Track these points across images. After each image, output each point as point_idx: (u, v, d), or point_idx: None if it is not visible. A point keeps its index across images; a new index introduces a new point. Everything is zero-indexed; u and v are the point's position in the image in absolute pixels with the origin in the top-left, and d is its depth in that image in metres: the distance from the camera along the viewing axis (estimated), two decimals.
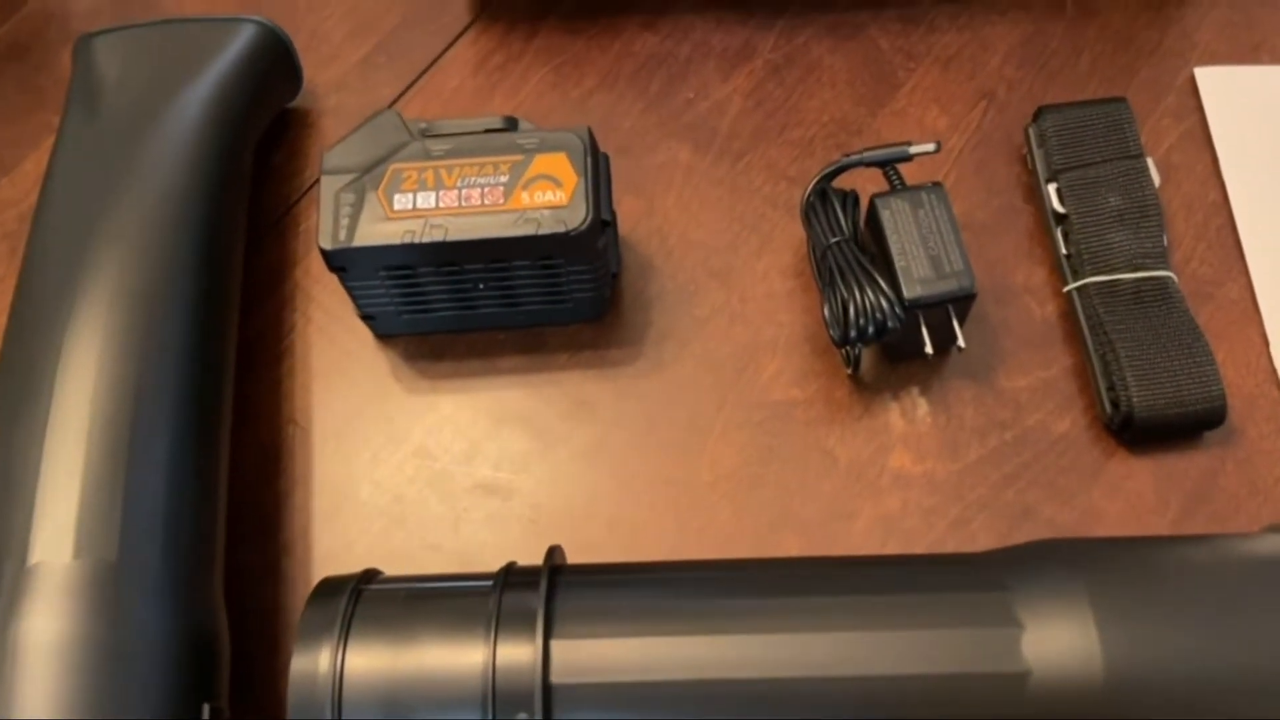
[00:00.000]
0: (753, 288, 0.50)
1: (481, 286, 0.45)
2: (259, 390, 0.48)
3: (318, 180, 0.47)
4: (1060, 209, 0.48)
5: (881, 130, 0.52)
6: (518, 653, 0.34)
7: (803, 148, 0.52)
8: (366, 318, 0.47)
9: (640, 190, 0.52)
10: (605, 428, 0.47)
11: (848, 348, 0.44)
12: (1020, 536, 0.44)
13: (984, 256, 0.49)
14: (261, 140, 0.53)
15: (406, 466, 0.47)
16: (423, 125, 0.45)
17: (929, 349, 0.44)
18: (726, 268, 0.50)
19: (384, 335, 0.49)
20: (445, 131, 0.45)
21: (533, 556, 0.42)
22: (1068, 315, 0.48)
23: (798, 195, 0.49)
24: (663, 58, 0.55)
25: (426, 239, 0.42)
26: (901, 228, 0.44)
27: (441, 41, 0.56)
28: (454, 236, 0.42)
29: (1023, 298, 0.49)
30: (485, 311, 0.47)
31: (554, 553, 0.38)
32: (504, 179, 0.43)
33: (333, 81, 0.55)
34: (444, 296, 0.46)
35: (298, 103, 0.54)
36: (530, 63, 0.55)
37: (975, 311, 0.48)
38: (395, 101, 0.54)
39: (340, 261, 0.43)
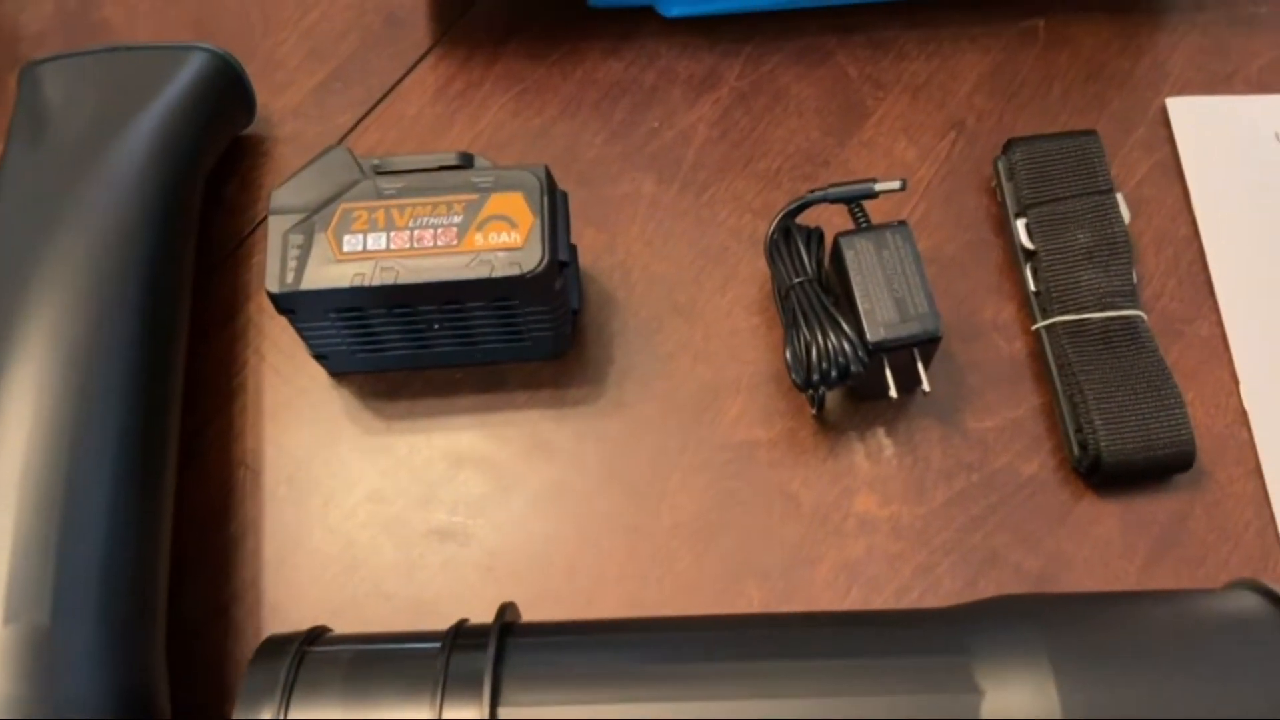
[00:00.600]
0: (717, 324, 0.49)
1: (436, 327, 0.44)
2: (208, 431, 0.47)
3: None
4: (1029, 245, 0.47)
5: (850, 161, 0.52)
6: None
7: (769, 179, 0.51)
8: (319, 357, 0.46)
9: (603, 223, 0.51)
10: (564, 470, 0.46)
11: (811, 390, 0.43)
12: (986, 583, 0.43)
13: (952, 292, 0.49)
14: (214, 170, 0.51)
15: (360, 511, 0.46)
16: (375, 162, 0.44)
17: (893, 392, 0.43)
18: (690, 303, 0.49)
19: (338, 373, 0.48)
20: (398, 168, 0.43)
21: (489, 606, 0.41)
22: (1036, 353, 0.47)
23: (763, 228, 0.48)
24: (627, 85, 0.54)
25: (377, 282, 0.41)
26: (865, 268, 0.43)
27: (400, 68, 0.54)
28: (405, 279, 0.41)
29: (991, 335, 0.48)
30: (442, 350, 0.46)
31: (505, 611, 0.37)
32: (458, 219, 0.42)
33: (288, 108, 0.54)
34: (398, 336, 0.44)
35: (252, 130, 0.53)
36: (491, 90, 0.54)
37: (943, 349, 0.47)
38: (353, 129, 0.53)
39: (288, 304, 0.42)
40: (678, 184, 0.51)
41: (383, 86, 0.54)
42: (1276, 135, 0.50)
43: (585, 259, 0.50)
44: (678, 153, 0.52)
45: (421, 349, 0.45)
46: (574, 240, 0.49)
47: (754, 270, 0.49)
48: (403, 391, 0.48)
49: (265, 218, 0.51)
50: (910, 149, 0.52)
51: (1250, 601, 0.35)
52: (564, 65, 0.54)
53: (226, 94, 0.50)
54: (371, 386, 0.48)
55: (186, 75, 0.48)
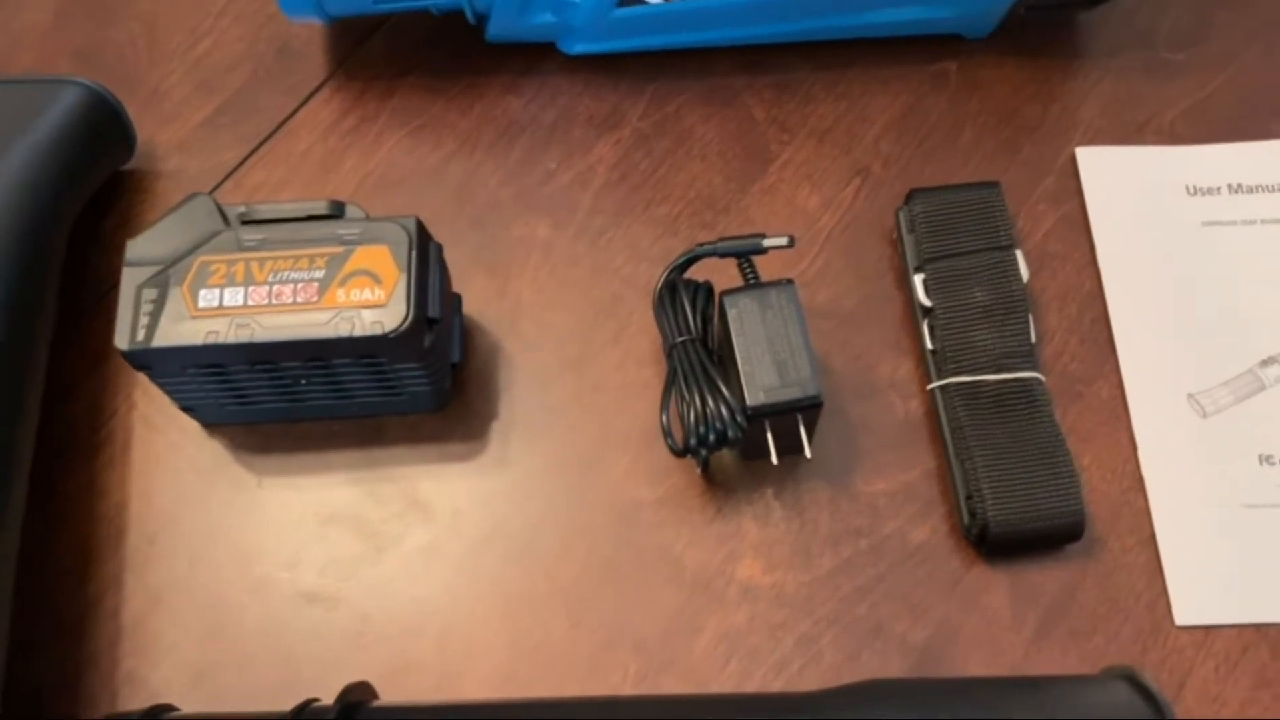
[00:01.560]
0: (607, 377, 0.47)
1: (304, 382, 0.42)
2: (71, 483, 0.45)
3: None
4: (926, 302, 0.46)
5: (750, 208, 0.50)
6: None
7: (667, 225, 0.50)
8: (188, 409, 0.44)
9: (494, 268, 0.49)
10: (441, 531, 0.44)
11: (688, 455, 0.42)
12: (869, 655, 0.42)
13: (850, 347, 0.47)
14: (91, 206, 0.49)
15: (226, 571, 0.44)
16: (240, 210, 0.42)
17: (774, 459, 0.41)
18: (581, 355, 0.47)
19: (210, 425, 0.46)
20: (264, 217, 0.42)
21: (357, 673, 0.40)
22: (932, 413, 0.45)
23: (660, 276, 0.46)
24: (526, 123, 0.52)
25: (231, 340, 0.39)
26: (749, 328, 0.41)
27: (292, 101, 0.52)
28: (261, 337, 0.39)
29: (886, 393, 0.46)
30: (315, 403, 0.44)
31: (349, 691, 0.36)
32: (319, 273, 0.40)
33: (173, 143, 0.52)
34: (265, 391, 0.43)
35: (133, 165, 0.51)
36: (386, 125, 0.52)
37: (837, 407, 0.46)
38: (239, 166, 0.51)
39: (140, 361, 0.40)
40: (573, 228, 0.50)
41: (273, 121, 0.52)
42: (1187, 189, 0.49)
43: (474, 306, 0.48)
44: (575, 196, 0.50)
45: (293, 402, 0.44)
46: (462, 287, 0.47)
47: (647, 321, 0.47)
48: (276, 444, 0.46)
49: None
50: (813, 196, 0.50)
51: (1122, 695, 0.34)
52: (462, 101, 0.52)
53: (102, 130, 0.48)
54: (244, 439, 0.46)
55: (57, 111, 0.46)
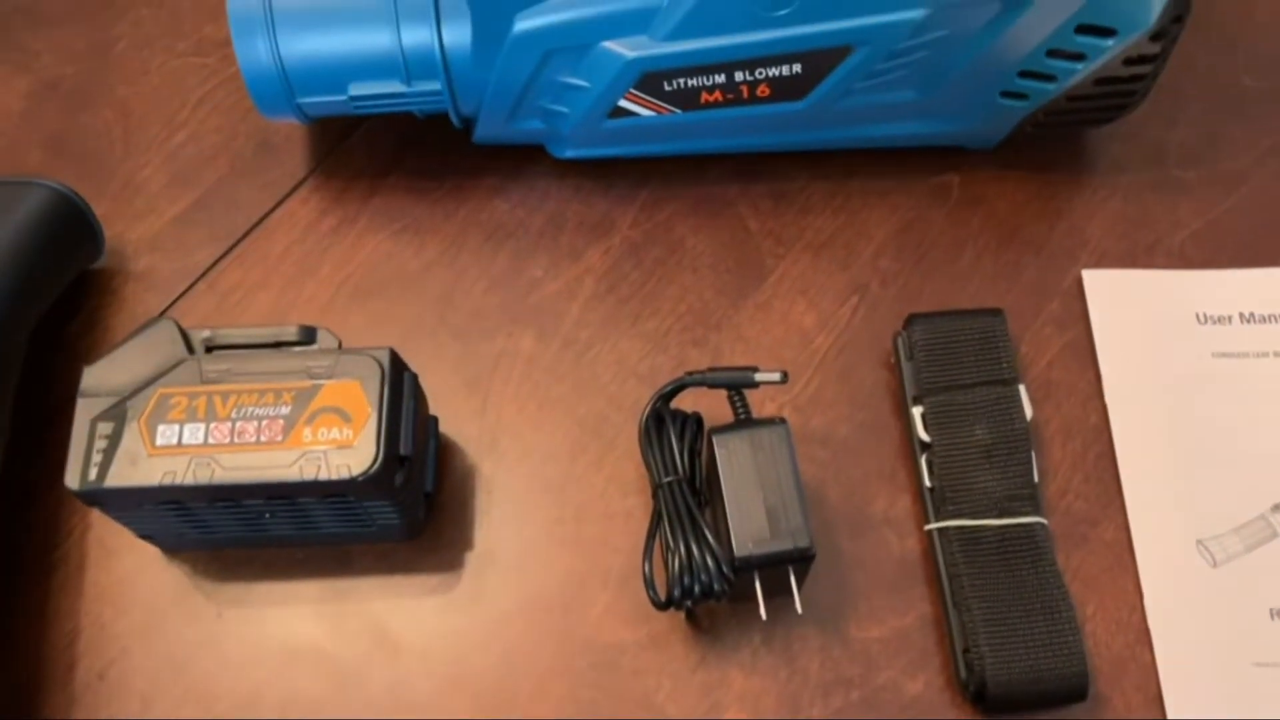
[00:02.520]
0: (590, 505, 0.45)
1: (268, 516, 0.40)
2: (19, 606, 0.43)
3: None
4: (925, 437, 0.44)
5: (743, 325, 0.48)
6: None
7: (656, 341, 0.48)
8: (145, 537, 0.42)
9: (475, 383, 0.47)
10: (409, 671, 0.42)
11: (671, 607, 0.40)
12: None
13: (843, 479, 0.45)
14: (56, 308, 0.47)
15: (182, 709, 0.41)
16: (205, 334, 0.40)
17: (762, 614, 0.39)
18: (563, 479, 0.45)
19: (170, 550, 0.44)
20: (230, 342, 0.39)
21: None
22: (929, 554, 0.43)
23: (646, 396, 0.44)
24: (512, 229, 0.50)
25: (190, 481, 0.37)
26: (738, 471, 0.39)
27: (270, 198, 0.50)
28: (221, 479, 0.37)
29: (882, 530, 0.44)
30: (279, 532, 0.42)
31: None
32: (286, 410, 0.38)
33: (144, 240, 0.49)
34: (227, 523, 0.40)
35: (102, 263, 0.49)
36: (367, 226, 0.50)
37: (829, 543, 0.44)
38: (211, 267, 0.49)
39: (92, 501, 0.37)
40: (559, 341, 0.48)
41: (249, 220, 0.50)
42: (1197, 317, 0.47)
43: (452, 425, 0.46)
44: (561, 306, 0.48)
45: (257, 532, 0.41)
46: (440, 404, 0.45)
47: (633, 443, 0.45)
48: (239, 572, 0.43)
49: None
50: (809, 314, 0.48)
51: None
52: (447, 203, 0.50)
53: (68, 232, 0.46)
54: (205, 565, 0.43)
55: (21, 213, 0.44)
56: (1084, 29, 0.43)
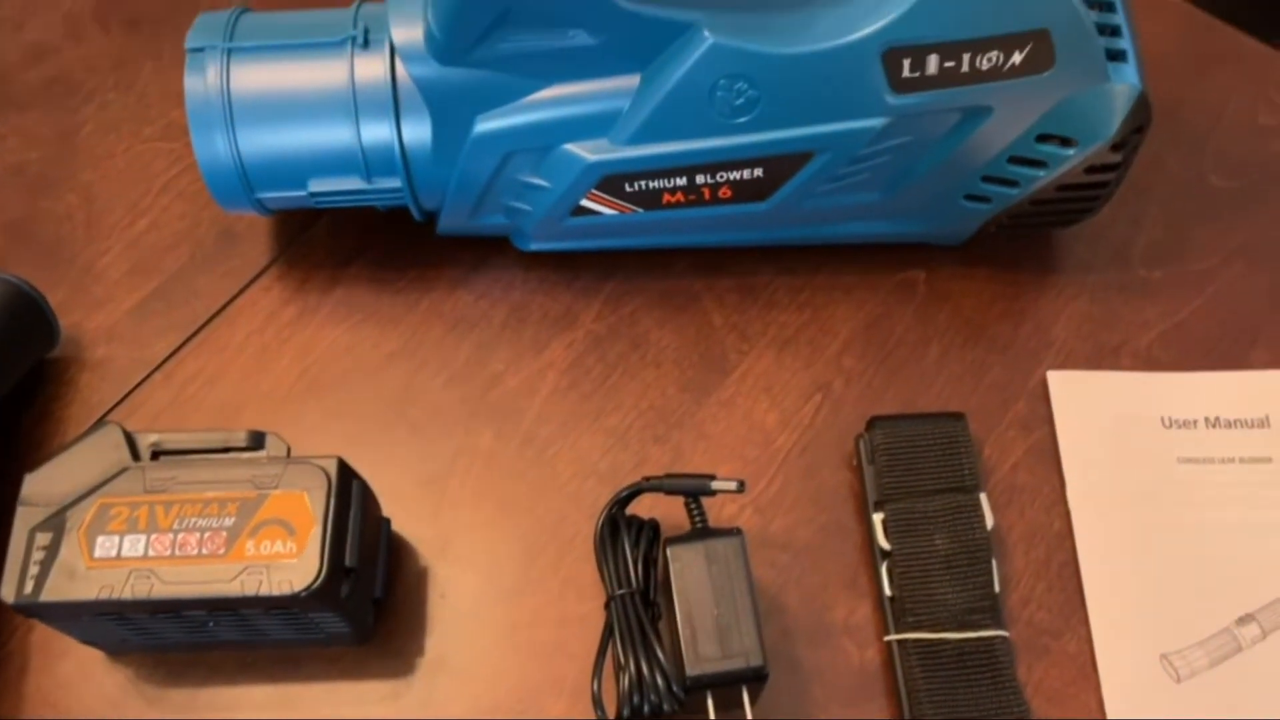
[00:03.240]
0: (545, 609, 0.44)
1: (211, 625, 0.39)
2: None
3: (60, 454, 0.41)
4: (885, 545, 0.43)
5: (705, 423, 0.47)
6: None
7: (617, 438, 0.47)
8: (88, 643, 0.41)
9: (431, 481, 0.46)
10: None
11: None
12: None
13: (803, 585, 0.44)
14: (10, 398, 0.47)
15: None
16: (153, 439, 0.39)
17: None
18: (518, 583, 0.44)
19: (114, 655, 0.43)
20: (177, 447, 0.39)
21: None
22: (889, 665, 0.42)
23: (606, 495, 0.44)
24: (475, 320, 0.50)
25: (127, 596, 0.36)
26: (691, 584, 0.39)
27: (231, 287, 0.50)
28: (160, 594, 0.36)
29: (841, 639, 0.43)
30: (226, 639, 0.41)
31: None
32: (229, 521, 0.37)
33: (102, 330, 0.49)
34: (170, 630, 0.40)
35: (59, 352, 0.48)
36: (328, 317, 0.49)
37: (787, 653, 0.43)
38: (169, 358, 0.48)
39: (29, 614, 0.37)
40: (518, 438, 0.47)
41: (209, 309, 0.50)
42: (1163, 421, 0.47)
43: (406, 525, 0.45)
44: (522, 402, 0.48)
45: (204, 638, 0.41)
46: (394, 503, 0.44)
47: (591, 545, 0.45)
48: (185, 676, 0.42)
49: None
50: (771, 412, 0.48)
51: None
52: (410, 293, 0.50)
53: (22, 324, 0.45)
54: (150, 670, 0.42)
55: None
56: (1045, 138, 0.43)
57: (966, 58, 0.39)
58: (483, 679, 0.43)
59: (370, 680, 0.43)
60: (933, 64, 0.40)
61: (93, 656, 0.43)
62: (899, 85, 0.40)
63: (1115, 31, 0.42)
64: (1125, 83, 0.42)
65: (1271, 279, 0.50)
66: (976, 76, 0.40)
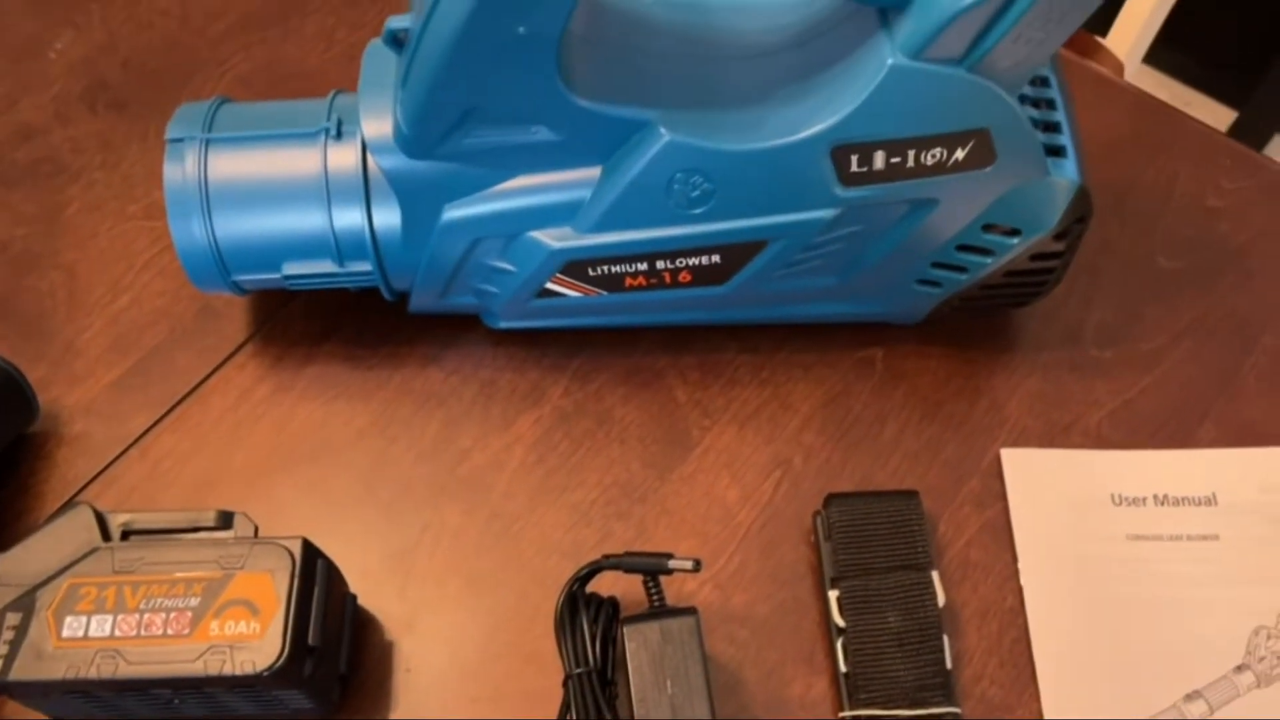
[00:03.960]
0: (506, 685, 0.45)
1: (176, 702, 0.40)
2: None
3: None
4: (840, 622, 0.44)
5: (668, 499, 0.49)
6: None
7: (581, 514, 0.48)
8: (57, 719, 0.42)
9: (398, 557, 0.47)
10: None
11: None
12: None
13: (762, 660, 0.45)
14: None
15: None
16: (123, 519, 0.40)
17: None
18: (481, 658, 0.45)
19: None
20: (146, 527, 0.40)
21: None
22: None
23: (569, 571, 0.44)
24: (444, 398, 0.51)
25: (93, 675, 0.37)
26: (646, 663, 0.40)
27: (207, 364, 0.51)
28: (125, 673, 0.37)
29: (797, 715, 0.44)
30: (192, 714, 0.42)
31: None
32: (194, 602, 0.38)
33: (80, 405, 0.50)
34: (136, 707, 0.40)
35: (37, 428, 0.50)
36: (301, 394, 0.51)
37: None
38: (145, 434, 0.50)
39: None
40: (485, 514, 0.48)
41: (186, 385, 0.51)
42: (1113, 498, 0.48)
43: (372, 600, 0.46)
44: (490, 478, 0.49)
45: (169, 713, 0.41)
46: (360, 579, 0.45)
47: (552, 622, 0.46)
48: None
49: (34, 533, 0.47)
50: (732, 488, 0.49)
51: None
52: (381, 370, 0.51)
53: (3, 401, 0.47)
54: None
55: None
56: (990, 227, 0.44)
57: (911, 154, 0.41)
58: None
59: None
60: (879, 159, 0.42)
61: None
62: (848, 179, 0.42)
63: (1055, 128, 0.44)
64: (1065, 177, 0.44)
65: (1218, 358, 0.52)
66: (921, 171, 0.42)
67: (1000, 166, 0.42)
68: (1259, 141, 1.46)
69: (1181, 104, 1.49)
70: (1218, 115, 1.50)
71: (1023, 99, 0.44)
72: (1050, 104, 0.44)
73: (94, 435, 0.50)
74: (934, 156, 0.41)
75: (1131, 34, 0.97)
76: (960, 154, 0.42)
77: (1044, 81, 0.45)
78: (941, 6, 0.38)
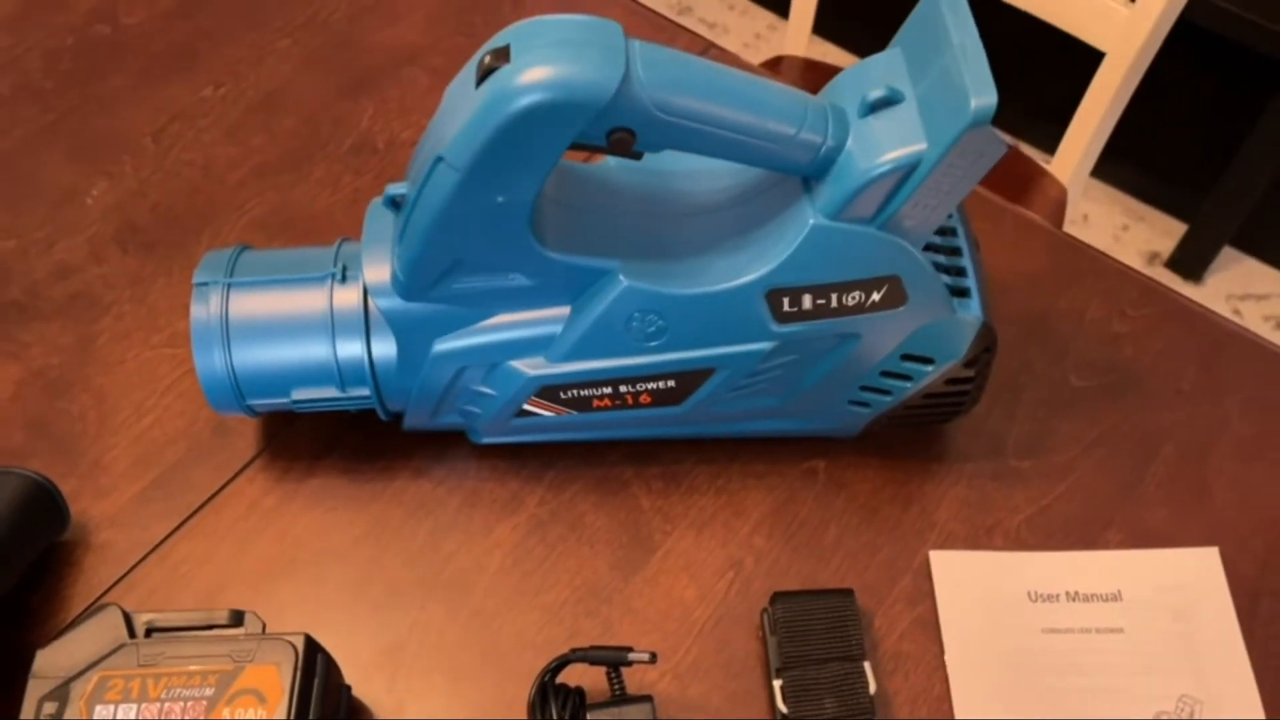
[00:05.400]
0: None
1: None
2: None
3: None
4: (784, 709, 0.49)
5: (632, 598, 0.54)
6: None
7: (553, 613, 0.54)
8: None
9: (389, 654, 0.52)
10: None
11: None
12: None
13: None
14: (23, 578, 0.53)
15: None
16: (147, 619, 0.46)
17: None
18: None
19: None
20: (168, 626, 0.46)
21: None
22: None
23: (540, 665, 0.50)
24: (432, 507, 0.57)
25: None
26: None
27: (220, 478, 0.57)
28: None
29: None
30: None
31: None
32: (210, 691, 0.43)
33: (106, 516, 0.56)
34: None
35: (67, 536, 0.55)
36: (303, 505, 0.57)
37: None
38: (164, 541, 0.55)
39: None
40: (467, 613, 0.54)
41: (201, 497, 0.57)
42: (1029, 595, 0.54)
43: (365, 691, 0.51)
44: (471, 579, 0.55)
45: None
46: (355, 672, 0.51)
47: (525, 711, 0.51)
48: None
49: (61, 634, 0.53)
50: (690, 587, 0.54)
51: None
52: (377, 483, 0.57)
53: (39, 514, 0.52)
54: None
55: (1, 498, 0.51)
56: (908, 357, 0.51)
57: (834, 296, 0.48)
58: None
59: None
60: (807, 301, 0.48)
61: None
62: (781, 317, 0.49)
63: (961, 272, 0.51)
64: (971, 314, 0.50)
65: (1123, 468, 0.58)
66: (844, 311, 0.49)
67: (912, 306, 0.49)
68: (1209, 253, 1.54)
69: (1134, 218, 1.60)
70: (1170, 228, 1.59)
71: (933, 248, 0.51)
72: (956, 251, 0.52)
73: (118, 543, 0.55)
74: (854, 298, 0.48)
75: (1076, 153, 1.05)
76: (876, 296, 0.48)
77: (952, 232, 0.52)
78: (853, 177, 0.45)
